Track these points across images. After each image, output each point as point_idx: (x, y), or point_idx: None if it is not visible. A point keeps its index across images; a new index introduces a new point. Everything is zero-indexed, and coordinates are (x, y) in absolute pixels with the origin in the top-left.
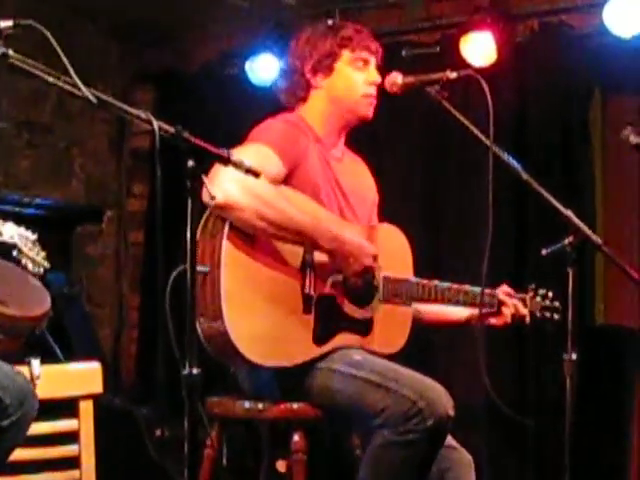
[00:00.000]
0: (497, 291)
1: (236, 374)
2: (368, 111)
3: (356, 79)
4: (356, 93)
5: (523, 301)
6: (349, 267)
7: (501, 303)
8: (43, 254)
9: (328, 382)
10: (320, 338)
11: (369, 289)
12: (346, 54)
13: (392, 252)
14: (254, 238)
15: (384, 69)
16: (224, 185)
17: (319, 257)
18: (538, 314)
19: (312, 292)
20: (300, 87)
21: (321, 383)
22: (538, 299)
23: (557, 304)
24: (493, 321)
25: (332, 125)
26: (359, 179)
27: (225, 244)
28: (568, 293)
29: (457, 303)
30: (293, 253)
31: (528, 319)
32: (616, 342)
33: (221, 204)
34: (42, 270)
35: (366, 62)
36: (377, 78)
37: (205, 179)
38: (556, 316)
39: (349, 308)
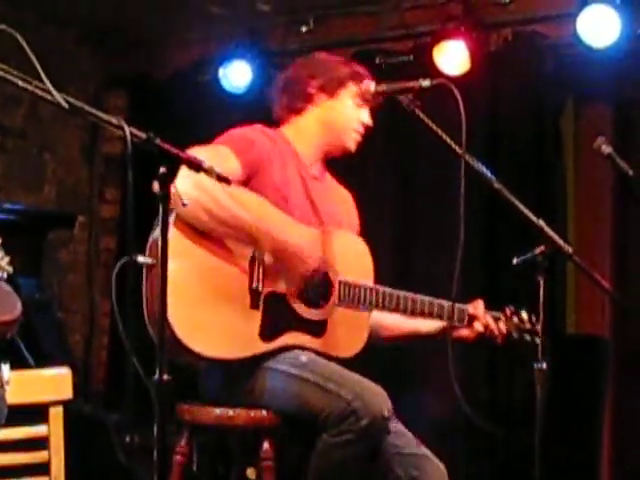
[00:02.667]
0: (468, 306)
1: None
2: (353, 145)
3: (353, 113)
4: (349, 125)
5: (496, 319)
6: (295, 269)
7: (472, 317)
8: (7, 259)
9: (273, 383)
10: (267, 335)
11: (324, 291)
12: (353, 87)
13: (350, 258)
14: (208, 236)
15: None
16: (177, 179)
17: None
18: (515, 335)
19: (260, 287)
20: (299, 99)
21: (266, 384)
22: (515, 320)
23: (538, 327)
24: (465, 333)
25: (314, 146)
26: (337, 205)
27: (171, 234)
28: (539, 302)
29: (421, 315)
30: (244, 247)
31: (500, 340)
32: (587, 351)
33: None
34: (5, 275)
35: (366, 104)
36: (370, 122)
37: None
38: (537, 340)
39: (300, 308)
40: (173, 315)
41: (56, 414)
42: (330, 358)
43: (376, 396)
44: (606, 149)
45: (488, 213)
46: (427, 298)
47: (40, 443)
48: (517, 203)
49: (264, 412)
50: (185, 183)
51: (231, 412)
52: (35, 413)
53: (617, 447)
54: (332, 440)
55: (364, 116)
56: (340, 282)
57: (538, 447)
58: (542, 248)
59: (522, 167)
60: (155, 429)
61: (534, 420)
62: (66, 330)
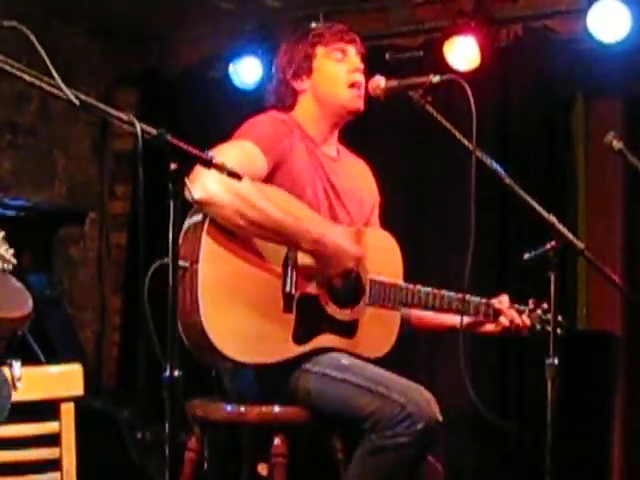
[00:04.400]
0: (493, 300)
1: (220, 377)
2: (357, 103)
3: (337, 70)
4: (340, 84)
5: (520, 312)
6: (330, 269)
7: (498, 312)
8: (12, 251)
9: (316, 385)
10: (300, 338)
11: (355, 291)
12: (320, 50)
13: (381, 256)
14: (240, 238)
15: (367, 65)
16: (205, 182)
17: (303, 255)
18: (538, 326)
19: (293, 291)
20: (287, 95)
21: (308, 386)
22: (539, 311)
23: (560, 318)
24: (489, 328)
25: (323, 124)
26: (357, 180)
27: (204, 239)
28: (550, 298)
29: (448, 311)
30: (276, 250)
31: (526, 332)
32: (598, 347)
33: (201, 200)
34: (10, 267)
35: (344, 52)
36: (358, 64)
37: (187, 179)
38: (559, 330)
39: (332, 309)
40: (207, 321)
41: (67, 410)
42: (360, 359)
43: (428, 400)
44: (617, 144)
45: (499, 208)
46: (453, 294)
47: (51, 439)
48: (528, 198)
49: (276, 408)
50: (217, 188)
51: (242, 408)
52: (46, 409)
53: (628, 443)
54: (384, 442)
55: (351, 64)
56: (371, 281)
57: (549, 443)
58: (553, 244)
59: (532, 162)
60: (166, 425)
61: (545, 416)
62: (77, 326)
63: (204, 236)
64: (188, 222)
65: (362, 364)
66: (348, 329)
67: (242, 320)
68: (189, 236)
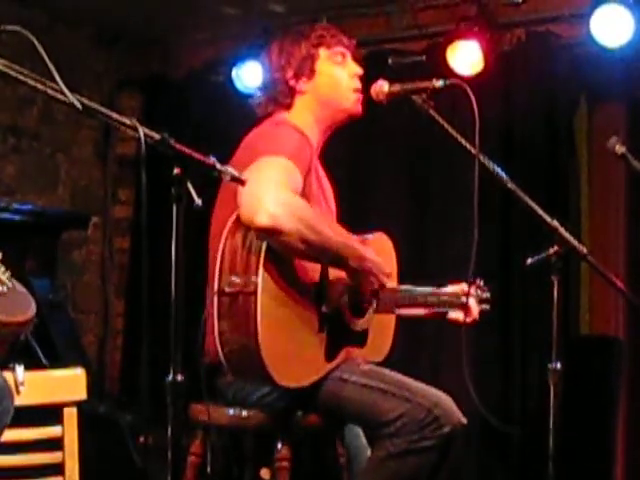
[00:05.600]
0: (450, 288)
1: (224, 384)
2: (358, 107)
3: (340, 74)
4: (343, 88)
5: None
6: (368, 285)
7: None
8: (8, 274)
9: (339, 391)
10: (329, 355)
11: (363, 299)
12: (323, 52)
13: (384, 261)
14: (285, 261)
15: (365, 71)
16: (267, 206)
17: (333, 271)
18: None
19: (327, 310)
20: (284, 95)
21: (331, 392)
22: (478, 292)
23: (488, 295)
24: (456, 316)
25: (319, 128)
26: (327, 183)
27: (262, 272)
28: (553, 302)
29: (438, 306)
30: (312, 269)
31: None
32: (601, 352)
33: (268, 227)
34: (6, 289)
35: (343, 56)
36: (358, 70)
37: (242, 206)
38: (487, 307)
39: (354, 323)
40: (265, 350)
41: (70, 415)
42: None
43: (451, 404)
44: (620, 149)
45: (502, 212)
46: (439, 291)
47: (54, 444)
48: (531, 203)
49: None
50: (281, 212)
51: (245, 412)
52: (49, 414)
53: (631, 447)
54: (408, 446)
55: (351, 69)
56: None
57: (551, 447)
58: (556, 248)
59: (535, 167)
60: (169, 429)
61: (548, 420)
62: (80, 331)
63: (261, 269)
64: (236, 239)
65: (380, 369)
66: (361, 338)
67: (290, 347)
68: (238, 253)
